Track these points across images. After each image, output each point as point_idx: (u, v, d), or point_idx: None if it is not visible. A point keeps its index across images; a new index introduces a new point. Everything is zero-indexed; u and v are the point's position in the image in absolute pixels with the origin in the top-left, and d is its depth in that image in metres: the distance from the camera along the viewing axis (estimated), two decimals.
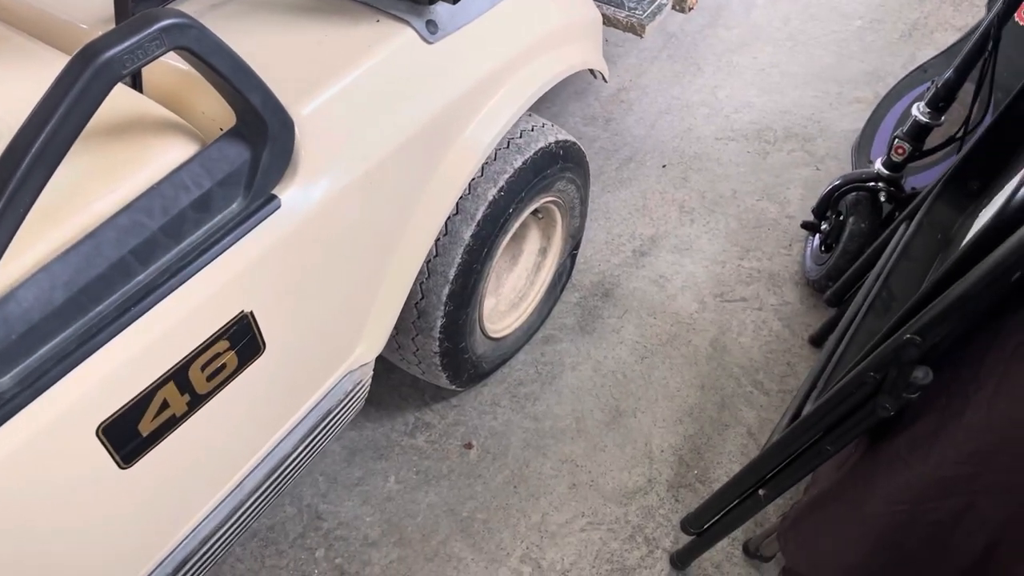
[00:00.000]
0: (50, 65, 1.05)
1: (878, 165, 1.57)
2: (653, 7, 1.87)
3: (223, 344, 1.00)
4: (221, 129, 1.03)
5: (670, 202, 1.99)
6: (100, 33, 1.11)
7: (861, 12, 2.50)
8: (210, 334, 0.98)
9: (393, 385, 1.66)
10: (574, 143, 1.55)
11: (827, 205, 1.68)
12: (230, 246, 0.97)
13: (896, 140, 1.50)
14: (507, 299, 1.69)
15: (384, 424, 1.60)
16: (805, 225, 1.76)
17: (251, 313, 1.02)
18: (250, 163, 0.98)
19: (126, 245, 0.89)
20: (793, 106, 2.21)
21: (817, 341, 1.66)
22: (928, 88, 1.44)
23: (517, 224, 1.49)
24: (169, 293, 0.92)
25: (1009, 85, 1.35)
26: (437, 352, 1.47)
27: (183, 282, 0.93)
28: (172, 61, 1.06)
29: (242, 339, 1.03)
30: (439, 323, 1.42)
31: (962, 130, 1.44)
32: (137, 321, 0.90)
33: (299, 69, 1.07)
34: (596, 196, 1.99)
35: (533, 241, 1.70)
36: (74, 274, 0.85)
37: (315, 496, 1.49)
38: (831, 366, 1.10)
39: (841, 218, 1.64)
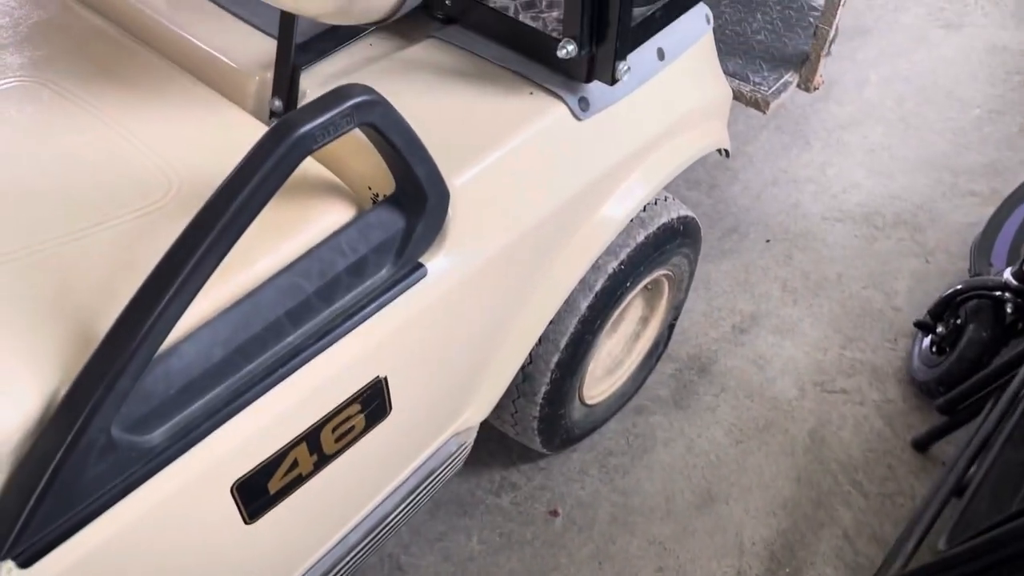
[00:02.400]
0: (210, 109, 1.07)
1: (1007, 275, 1.52)
2: (779, 84, 1.85)
3: (355, 407, 1.00)
4: (370, 189, 1.03)
5: (772, 279, 1.96)
6: (256, 78, 1.15)
7: (979, 101, 2.44)
8: (346, 397, 0.98)
9: (480, 440, 1.64)
10: (693, 219, 1.53)
11: (945, 307, 1.64)
12: (376, 312, 0.97)
13: None
14: (603, 365, 1.67)
15: (470, 480, 1.58)
16: (919, 324, 1.71)
17: (385, 378, 1.02)
18: (404, 232, 0.98)
19: (282, 306, 0.90)
20: (903, 192, 2.16)
21: (921, 446, 1.61)
22: None
23: (631, 297, 1.47)
24: (315, 356, 0.93)
25: None
26: (536, 417, 1.45)
27: (329, 345, 0.94)
28: None
29: (372, 403, 1.03)
30: (543, 389, 1.41)
31: None
32: (283, 382, 0.90)
33: (454, 137, 1.08)
34: (698, 264, 1.96)
35: (635, 309, 1.68)
36: (233, 332, 0.86)
37: (397, 547, 1.48)
38: (967, 497, 1.06)
39: (960, 323, 1.59)
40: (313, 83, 1.14)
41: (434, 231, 1.01)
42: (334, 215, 0.95)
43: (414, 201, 0.97)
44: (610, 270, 1.36)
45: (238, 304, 0.87)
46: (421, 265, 1.01)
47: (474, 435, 1.32)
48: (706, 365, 1.79)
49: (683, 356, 1.81)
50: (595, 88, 1.17)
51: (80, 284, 0.83)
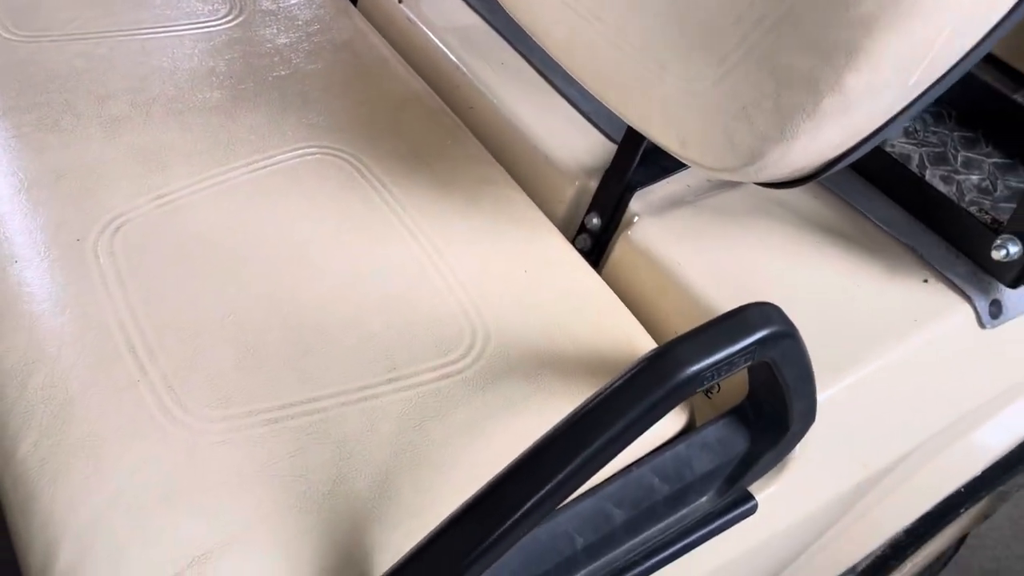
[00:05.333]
0: (530, 233, 0.88)
1: None
2: None
3: None
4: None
5: None
6: (577, 183, 0.96)
7: None
8: None
9: None
10: None
11: None
12: (688, 550, 0.75)
13: None
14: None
15: None
16: None
17: None
18: (744, 458, 0.75)
19: (582, 540, 0.69)
20: None
21: None
22: None
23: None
24: None
25: None
26: None
27: None
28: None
29: None
30: None
31: None
32: None
33: (820, 329, 0.82)
34: None
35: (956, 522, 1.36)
36: (521, 565, 0.67)
37: None
38: None
39: None
40: (645, 207, 0.93)
41: (779, 459, 0.77)
42: (662, 423, 0.74)
43: (771, 427, 0.73)
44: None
45: (531, 532, 0.68)
46: (751, 497, 0.78)
47: None
48: None
49: (975, 569, 1.46)
50: (1012, 291, 0.88)
51: (356, 469, 0.66)
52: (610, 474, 0.71)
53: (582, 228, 0.96)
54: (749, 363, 0.59)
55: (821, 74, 0.59)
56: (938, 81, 0.61)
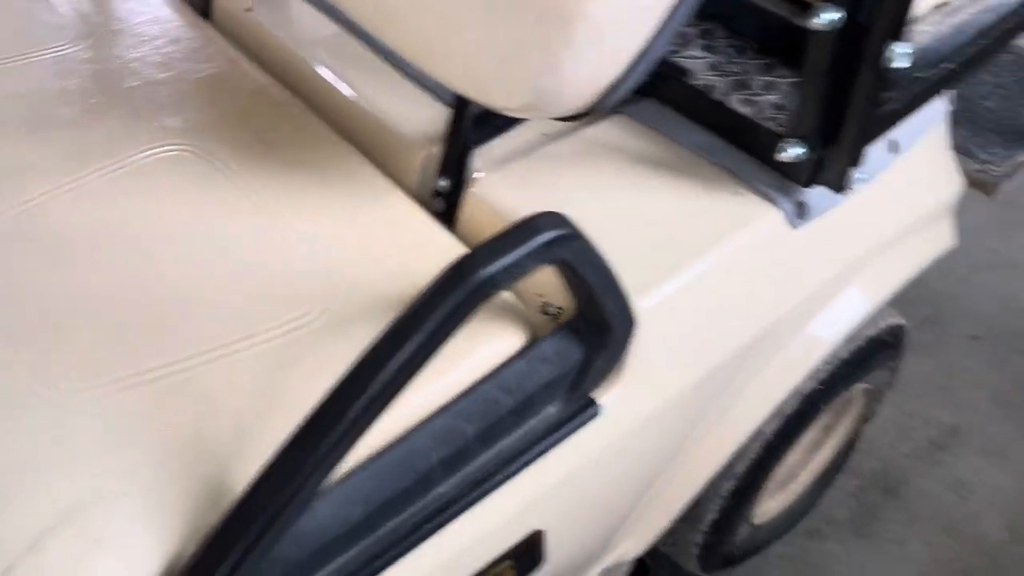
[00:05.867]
0: (377, 199, 0.95)
1: None
2: (1011, 163, 1.58)
3: (507, 564, 0.86)
4: (540, 297, 0.89)
5: (979, 386, 1.68)
6: (423, 152, 1.03)
7: None
8: (496, 555, 0.84)
9: None
10: (902, 327, 1.31)
11: None
12: (540, 456, 0.83)
13: None
14: (775, 479, 1.46)
15: None
16: None
17: (543, 531, 0.87)
18: (580, 366, 0.83)
19: (437, 455, 0.76)
20: None
21: None
22: None
23: (823, 416, 1.27)
24: (467, 508, 0.79)
25: None
26: (698, 544, 1.27)
27: (484, 496, 0.80)
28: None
29: (526, 558, 0.88)
30: (711, 518, 1.22)
31: None
32: (427, 540, 0.77)
33: (642, 245, 0.91)
34: None
35: (819, 417, 1.46)
36: (378, 486, 0.74)
37: None
38: None
39: None
40: (486, 163, 1.00)
41: (613, 364, 0.85)
42: (502, 343, 0.81)
43: (595, 332, 0.81)
44: (805, 392, 1.16)
45: (385, 453, 0.74)
46: (594, 402, 0.86)
47: (627, 568, 1.16)
48: (894, 486, 1.54)
49: (867, 471, 1.57)
50: (816, 190, 0.98)
51: (217, 419, 0.72)
52: (458, 393, 0.78)
53: (436, 193, 1.03)
54: (540, 264, 0.67)
55: (566, 5, 0.67)
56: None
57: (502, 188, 0.97)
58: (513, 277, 0.66)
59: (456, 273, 0.63)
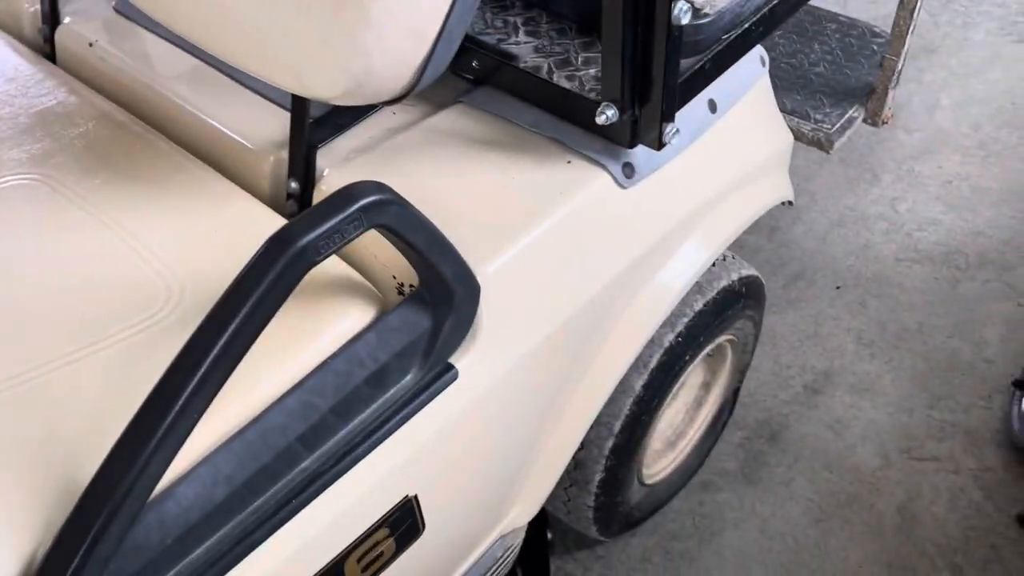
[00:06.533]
0: (221, 201, 0.98)
1: None
2: (843, 120, 1.71)
3: (383, 532, 0.89)
4: (395, 278, 0.93)
5: (845, 331, 1.80)
6: (271, 157, 1.06)
7: None
8: (371, 524, 0.87)
9: None
10: (756, 278, 1.39)
11: None
12: (402, 424, 0.86)
13: None
14: (663, 437, 1.53)
15: None
16: (1018, 384, 1.54)
17: (415, 496, 0.91)
18: (430, 332, 0.87)
19: (294, 431, 0.79)
20: (988, 227, 1.98)
21: None
22: None
23: (691, 369, 1.34)
24: (334, 481, 0.82)
25: None
26: (591, 506, 1.32)
27: (350, 467, 0.83)
28: None
29: (403, 524, 0.91)
30: (598, 477, 1.27)
31: None
32: (297, 515, 0.80)
33: (484, 216, 0.97)
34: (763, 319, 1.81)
35: (696, 375, 1.54)
36: (237, 465, 0.76)
37: None
38: None
39: None
40: (332, 160, 1.04)
41: (465, 328, 0.90)
42: (350, 319, 0.85)
43: (440, 299, 0.86)
44: (666, 343, 1.23)
45: (241, 433, 0.77)
46: (451, 367, 0.90)
47: (522, 535, 1.20)
48: (777, 432, 1.63)
49: (751, 422, 1.66)
50: (641, 151, 1.05)
51: (67, 421, 0.74)
52: (309, 371, 0.81)
53: (289, 196, 1.06)
54: (361, 230, 0.71)
55: None
56: None
57: (348, 181, 1.00)
58: (335, 244, 0.69)
59: (274, 245, 0.67)
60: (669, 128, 0.99)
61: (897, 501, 1.50)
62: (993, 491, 1.50)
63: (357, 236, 0.71)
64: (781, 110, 1.78)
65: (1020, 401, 1.56)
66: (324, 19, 0.77)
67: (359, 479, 0.84)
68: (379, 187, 0.73)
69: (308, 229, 0.68)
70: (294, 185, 1.04)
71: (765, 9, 1.11)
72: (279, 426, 0.78)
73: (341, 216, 0.69)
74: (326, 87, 0.84)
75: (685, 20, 0.89)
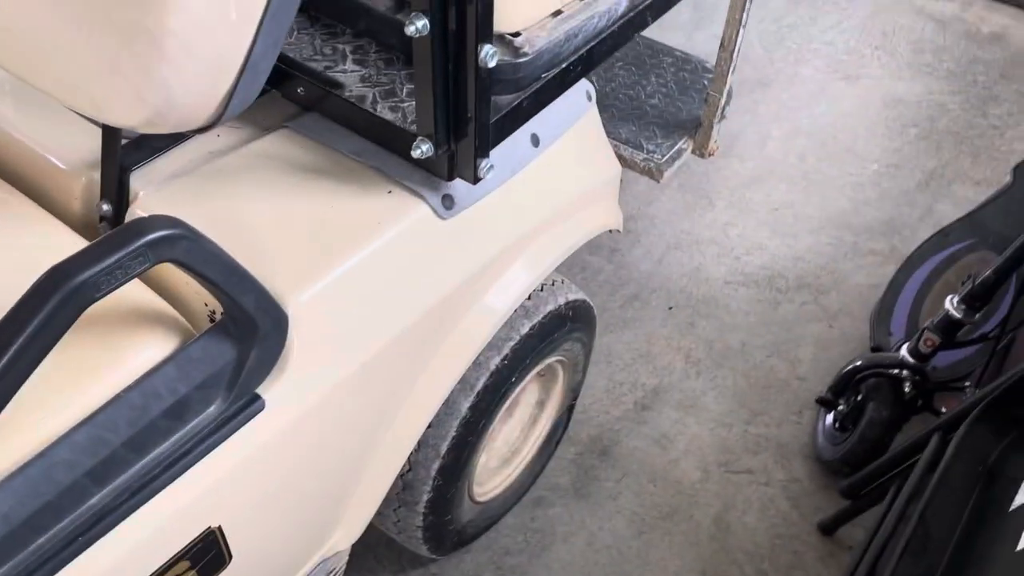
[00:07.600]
0: (22, 225, 0.94)
1: (903, 352, 1.48)
2: (672, 152, 1.80)
3: (183, 565, 0.88)
4: (207, 306, 0.92)
5: (675, 350, 1.90)
6: (83, 178, 1.03)
7: (877, 155, 2.45)
8: (169, 557, 0.86)
9: (368, 544, 1.52)
10: (584, 301, 1.45)
11: (846, 384, 1.59)
12: (203, 456, 0.85)
13: (925, 332, 1.42)
14: (498, 454, 1.57)
15: None
16: (821, 401, 1.67)
17: (219, 528, 0.90)
18: (235, 363, 0.87)
19: (81, 466, 0.77)
20: (807, 252, 2.14)
21: (827, 529, 1.55)
22: (963, 283, 1.37)
23: (518, 391, 1.38)
24: (126, 517, 0.80)
25: None
26: (420, 526, 1.34)
27: (144, 502, 0.81)
28: None
29: (206, 556, 0.90)
30: (425, 497, 1.30)
31: (999, 329, 1.36)
32: (84, 553, 0.78)
33: (297, 247, 0.97)
34: (598, 336, 1.88)
35: (531, 393, 1.59)
36: (16, 503, 0.73)
37: None
38: None
39: (860, 400, 1.55)
40: (147, 182, 1.02)
41: (272, 358, 0.90)
42: (150, 350, 0.84)
43: (244, 329, 0.86)
44: (493, 366, 1.27)
45: (22, 470, 0.74)
46: (258, 397, 0.90)
47: (345, 558, 1.20)
48: (608, 447, 1.71)
49: (584, 438, 1.72)
50: (460, 183, 1.08)
51: None
52: (100, 405, 0.79)
53: (101, 219, 1.03)
54: (146, 265, 0.70)
55: (147, 22, 0.71)
56: (266, 11, 0.76)
57: (162, 206, 0.98)
58: (117, 280, 0.68)
59: (47, 281, 0.65)
60: (484, 163, 1.02)
61: (714, 512, 1.60)
62: (799, 501, 1.62)
63: (143, 271, 0.70)
64: (617, 139, 1.87)
65: (824, 417, 1.70)
66: (112, 49, 0.75)
67: (156, 512, 0.82)
68: (169, 221, 0.72)
69: (87, 265, 0.67)
70: (106, 208, 1.01)
71: (583, 50, 1.17)
72: (65, 462, 0.76)
73: (124, 252, 0.68)
74: (125, 116, 0.82)
75: (492, 63, 0.92)
